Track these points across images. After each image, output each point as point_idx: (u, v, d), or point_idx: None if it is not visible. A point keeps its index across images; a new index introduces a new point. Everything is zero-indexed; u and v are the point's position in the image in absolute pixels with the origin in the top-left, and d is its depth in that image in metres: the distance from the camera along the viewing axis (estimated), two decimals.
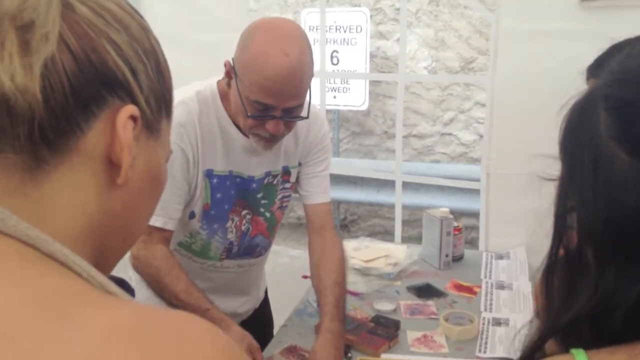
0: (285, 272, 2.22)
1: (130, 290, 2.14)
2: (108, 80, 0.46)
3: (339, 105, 4.29)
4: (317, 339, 1.42)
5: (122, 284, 2.14)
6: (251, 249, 1.59)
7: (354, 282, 1.96)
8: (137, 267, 1.42)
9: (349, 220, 4.73)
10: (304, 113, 1.36)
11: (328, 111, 4.50)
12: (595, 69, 1.39)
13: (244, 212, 1.50)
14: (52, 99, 0.42)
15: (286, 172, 1.55)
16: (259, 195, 1.51)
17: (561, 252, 0.60)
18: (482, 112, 4.00)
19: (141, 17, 0.52)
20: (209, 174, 1.42)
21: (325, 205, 1.60)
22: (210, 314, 1.34)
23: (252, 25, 1.34)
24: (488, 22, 2.17)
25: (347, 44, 4.15)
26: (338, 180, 3.94)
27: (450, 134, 4.42)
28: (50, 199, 0.44)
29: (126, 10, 0.49)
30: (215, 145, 1.40)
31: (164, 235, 1.39)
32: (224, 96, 1.39)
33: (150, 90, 0.50)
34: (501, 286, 1.93)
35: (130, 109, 0.47)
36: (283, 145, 1.49)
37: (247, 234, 1.54)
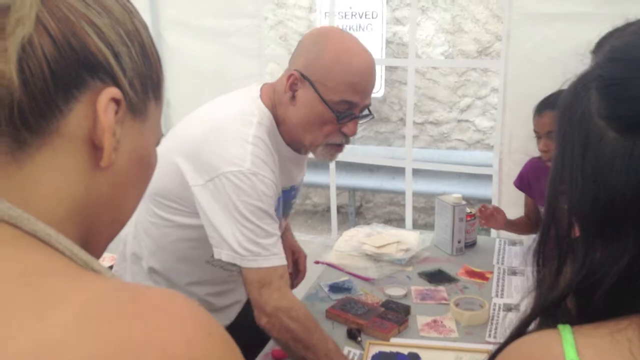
0: None
1: None
2: (89, 64, 0.46)
3: None
4: (285, 234, 1.65)
5: None
6: None
7: (366, 268, 1.97)
8: (275, 321, 1.27)
9: (365, 208, 4.73)
10: None
11: None
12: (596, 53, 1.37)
13: (282, 223, 1.51)
14: (31, 82, 0.43)
15: None
16: (294, 201, 1.55)
17: (552, 231, 0.62)
18: (499, 98, 3.96)
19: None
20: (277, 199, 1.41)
21: None
22: None
23: (312, 36, 1.34)
24: (505, 6, 2.15)
25: (363, 30, 4.13)
26: (353, 167, 3.94)
27: (466, 121, 4.39)
28: (33, 180, 0.45)
29: None
30: (277, 168, 1.36)
31: (287, 275, 1.32)
32: (277, 120, 1.36)
33: (134, 73, 0.49)
34: (513, 272, 1.92)
35: (112, 92, 0.47)
36: None
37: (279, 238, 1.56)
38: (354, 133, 1.34)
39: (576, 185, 0.57)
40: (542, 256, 0.63)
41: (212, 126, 1.32)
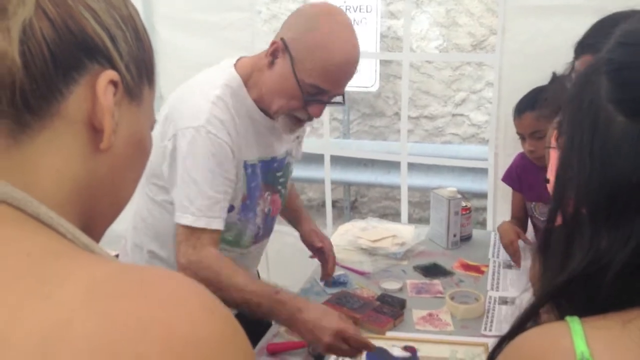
0: (291, 251, 2.23)
1: None
2: (87, 47, 0.47)
3: (348, 87, 4.27)
4: (305, 224, 1.76)
5: None
6: (270, 229, 1.61)
7: (361, 262, 1.97)
8: (189, 275, 1.40)
9: (360, 202, 4.72)
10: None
11: None
12: (590, 45, 1.35)
13: (266, 194, 1.52)
14: (32, 64, 0.43)
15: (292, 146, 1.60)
16: (279, 174, 1.54)
17: (559, 219, 0.61)
18: (493, 92, 3.95)
19: None
20: (245, 166, 1.43)
21: None
22: (282, 296, 1.30)
23: (309, 12, 1.35)
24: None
25: (358, 24, 4.11)
26: (348, 162, 3.93)
27: (461, 115, 4.38)
28: (34, 162, 0.45)
29: None
30: (248, 136, 1.40)
31: (212, 236, 1.33)
32: (247, 84, 1.39)
33: (130, 57, 0.50)
34: (509, 265, 1.93)
35: (110, 74, 0.48)
36: None
37: (268, 215, 1.56)
38: (317, 116, 1.36)
39: (584, 170, 0.57)
40: (549, 242, 0.62)
41: (182, 91, 1.40)
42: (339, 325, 1.23)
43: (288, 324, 1.34)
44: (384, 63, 4.35)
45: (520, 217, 2.04)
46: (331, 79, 1.31)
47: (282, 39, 1.32)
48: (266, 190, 1.51)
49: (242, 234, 1.50)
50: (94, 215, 0.50)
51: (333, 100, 1.38)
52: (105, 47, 0.48)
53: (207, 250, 1.31)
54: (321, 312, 1.29)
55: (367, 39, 4.08)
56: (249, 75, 1.39)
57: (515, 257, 1.86)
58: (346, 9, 4.11)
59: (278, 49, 1.32)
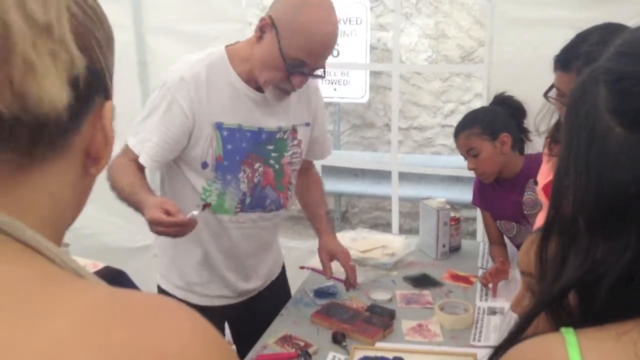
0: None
1: (128, 281, 2.15)
2: (97, 82, 0.47)
3: (337, 98, 4.28)
4: (321, 237, 1.79)
5: (120, 275, 2.15)
6: (262, 201, 1.66)
7: None
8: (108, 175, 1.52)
9: (350, 213, 4.72)
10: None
11: (328, 104, 4.49)
12: (562, 62, 1.36)
13: (256, 165, 1.62)
14: (69, 105, 0.43)
15: (294, 129, 1.67)
16: (270, 147, 1.63)
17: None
18: (482, 103, 3.98)
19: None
20: (219, 127, 1.55)
21: (311, 161, 1.90)
22: (135, 196, 1.44)
23: None
24: (487, 12, 2.16)
25: (348, 35, 4.13)
26: (339, 172, 3.93)
27: (451, 126, 4.40)
28: (36, 191, 0.45)
29: (96, 1, 0.49)
30: (224, 102, 1.54)
31: (132, 157, 1.52)
32: (232, 59, 1.54)
33: (112, 81, 0.51)
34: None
35: (110, 105, 0.49)
36: (292, 103, 1.63)
37: (258, 185, 1.64)
38: (299, 86, 1.51)
39: (581, 179, 0.57)
40: (545, 250, 0.61)
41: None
42: (152, 216, 1.34)
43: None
44: (374, 75, 4.37)
45: (496, 237, 2.02)
46: (313, 53, 1.46)
47: (269, 16, 1.46)
48: (256, 161, 1.61)
49: (222, 195, 1.59)
50: (61, 227, 0.50)
51: (315, 73, 1.53)
52: (105, 79, 0.49)
53: (120, 158, 1.52)
54: (148, 205, 1.38)
55: (357, 51, 4.10)
56: (237, 51, 1.55)
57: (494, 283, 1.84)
58: None
59: (266, 25, 1.46)
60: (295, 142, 1.68)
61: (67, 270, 0.43)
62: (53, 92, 0.39)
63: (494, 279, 1.82)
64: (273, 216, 1.69)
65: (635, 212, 0.53)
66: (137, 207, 1.42)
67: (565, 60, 1.34)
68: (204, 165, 1.56)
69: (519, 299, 0.94)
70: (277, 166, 1.65)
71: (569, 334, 0.54)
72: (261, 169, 1.62)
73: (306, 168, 1.85)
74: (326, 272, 1.74)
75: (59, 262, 0.43)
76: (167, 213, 1.34)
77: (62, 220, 0.49)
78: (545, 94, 1.39)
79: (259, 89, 1.54)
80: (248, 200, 1.62)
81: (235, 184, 1.59)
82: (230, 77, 1.54)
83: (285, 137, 1.65)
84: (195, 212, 1.37)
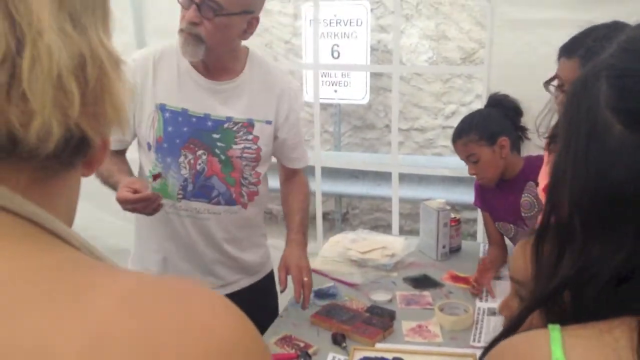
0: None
1: None
2: None
3: (338, 99, 4.29)
4: (285, 247, 1.72)
5: None
6: (206, 190, 1.63)
7: (351, 273, 1.97)
8: None
9: (351, 214, 4.73)
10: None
11: (329, 105, 4.49)
12: (567, 49, 1.38)
13: (199, 152, 1.60)
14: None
15: (250, 124, 1.62)
16: (216, 136, 1.60)
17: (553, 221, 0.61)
18: (483, 104, 3.98)
19: None
20: (162, 108, 1.57)
21: (299, 169, 1.83)
22: (111, 179, 1.51)
23: None
24: (487, 13, 2.17)
25: (348, 37, 4.14)
26: (339, 173, 3.93)
27: (452, 127, 4.39)
28: (61, 195, 0.46)
29: None
30: (170, 83, 1.57)
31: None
32: None
33: None
34: (497, 276, 1.93)
35: None
36: (249, 97, 1.61)
37: (202, 173, 1.61)
38: (190, 19, 1.47)
39: (578, 176, 0.56)
40: (541, 247, 0.61)
41: None
42: (118, 195, 1.41)
43: None
44: (375, 76, 4.37)
45: (497, 240, 2.02)
46: None
47: None
48: (199, 148, 1.59)
49: (165, 179, 1.61)
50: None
51: (209, 6, 1.47)
52: None
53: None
54: (120, 186, 1.44)
55: (358, 52, 4.11)
56: None
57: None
58: (337, 23, 4.13)
59: None
60: (250, 137, 1.62)
61: (94, 259, 0.45)
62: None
63: (479, 283, 1.82)
64: (224, 210, 1.64)
65: (631, 212, 0.53)
66: (114, 189, 1.47)
67: (571, 47, 1.35)
68: (148, 146, 1.60)
69: (507, 302, 0.94)
70: (222, 157, 1.61)
71: (554, 331, 0.54)
72: (205, 156, 1.59)
73: (290, 175, 1.82)
74: (280, 283, 1.68)
75: (85, 252, 0.45)
76: (136, 192, 1.40)
77: (71, 223, 0.50)
78: (546, 84, 1.39)
79: (211, 75, 1.57)
80: (190, 187, 1.61)
81: (175, 167, 1.59)
82: (180, 61, 1.57)
83: (234, 128, 1.61)
84: (151, 183, 1.44)
